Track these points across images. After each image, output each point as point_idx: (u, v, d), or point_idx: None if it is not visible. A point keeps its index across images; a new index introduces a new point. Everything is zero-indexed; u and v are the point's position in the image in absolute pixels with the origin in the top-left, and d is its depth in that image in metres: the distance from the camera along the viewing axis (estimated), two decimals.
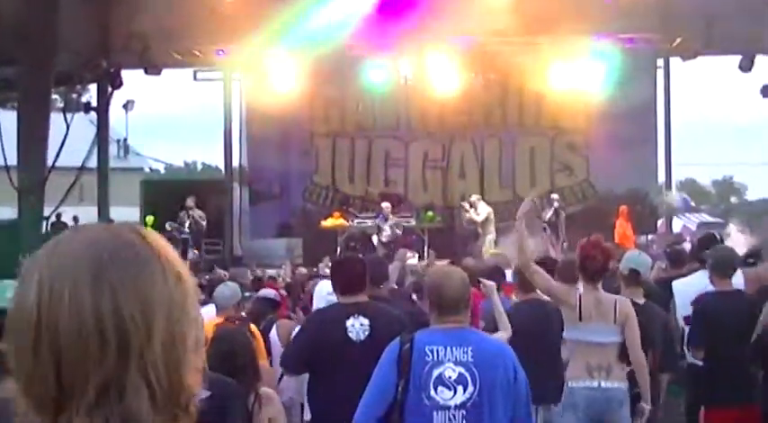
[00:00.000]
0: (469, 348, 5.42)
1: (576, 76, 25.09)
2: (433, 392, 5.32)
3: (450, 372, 5.35)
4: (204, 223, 25.06)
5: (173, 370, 1.63)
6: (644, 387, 7.64)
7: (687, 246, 18.66)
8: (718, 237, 11.08)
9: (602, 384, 7.52)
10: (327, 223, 24.98)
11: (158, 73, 27.39)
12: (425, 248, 24.16)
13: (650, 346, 8.17)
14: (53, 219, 24.26)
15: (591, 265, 7.76)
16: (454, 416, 5.31)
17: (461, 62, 25.88)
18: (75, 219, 28.46)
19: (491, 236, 23.70)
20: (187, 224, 24.70)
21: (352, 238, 23.85)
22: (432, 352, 5.39)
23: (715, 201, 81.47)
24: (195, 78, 28.88)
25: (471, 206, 24.27)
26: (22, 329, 1.60)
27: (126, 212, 31.45)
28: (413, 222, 24.98)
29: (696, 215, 48.16)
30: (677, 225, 32.74)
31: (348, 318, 7.03)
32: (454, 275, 5.79)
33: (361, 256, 9.25)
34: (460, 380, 5.33)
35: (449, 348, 5.40)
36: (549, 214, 24.19)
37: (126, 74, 27.22)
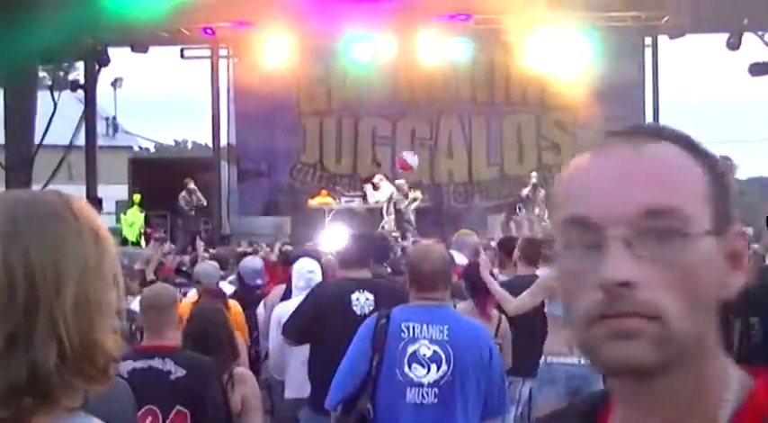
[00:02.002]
0: (446, 327, 5.40)
1: (564, 54, 25.06)
2: (406, 369, 5.32)
3: (425, 349, 5.34)
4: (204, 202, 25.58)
5: (84, 329, 1.68)
6: None
7: None
8: None
9: (582, 360, 7.54)
10: (314, 202, 24.96)
11: (145, 51, 27.34)
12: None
13: None
14: None
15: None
16: (427, 393, 5.31)
17: (448, 39, 25.84)
18: None
19: (392, 216, 23.58)
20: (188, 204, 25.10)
21: (339, 216, 23.86)
22: (408, 329, 5.38)
23: None
24: (182, 56, 28.79)
25: (375, 187, 24.11)
26: None
27: (114, 190, 31.47)
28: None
29: None
30: None
31: (353, 291, 7.08)
32: (434, 252, 5.75)
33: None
34: (435, 358, 5.33)
35: (425, 326, 5.39)
36: (525, 191, 24.29)
37: (113, 52, 27.16)
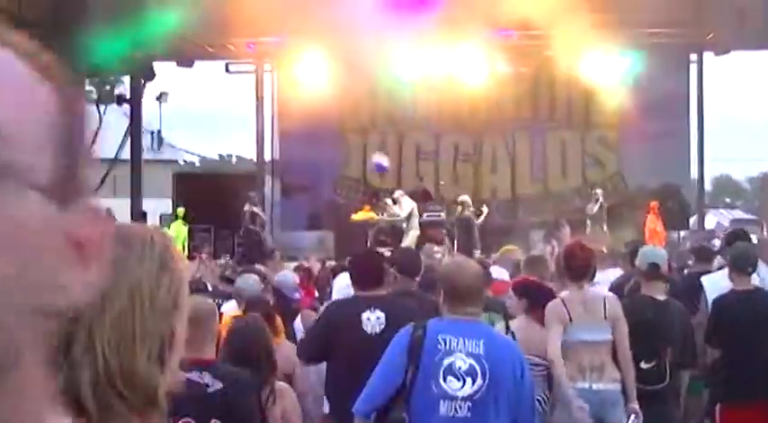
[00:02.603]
0: (481, 341, 5.41)
1: (608, 70, 24.98)
2: (441, 381, 5.32)
3: (461, 363, 5.34)
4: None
5: (124, 354, 1.67)
6: (629, 386, 7.56)
7: (717, 242, 18.63)
8: (745, 233, 10.93)
9: (594, 386, 7.45)
10: (357, 217, 24.96)
11: (190, 65, 27.51)
12: (455, 243, 24.04)
13: (669, 342, 8.14)
14: None
15: (575, 263, 7.82)
16: (460, 407, 5.30)
17: (492, 55, 25.81)
18: (108, 211, 28.48)
19: (414, 231, 23.44)
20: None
21: (382, 231, 23.82)
22: (444, 341, 5.39)
23: (750, 197, 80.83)
24: (227, 71, 28.95)
25: (395, 202, 24.05)
26: None
27: (158, 204, 31.66)
28: (443, 216, 24.92)
29: (730, 211, 47.97)
30: (711, 221, 32.62)
31: (364, 311, 7.07)
32: (468, 267, 5.79)
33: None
34: (470, 371, 5.33)
35: (461, 339, 5.40)
36: (595, 208, 24.22)
37: (158, 66, 27.35)
